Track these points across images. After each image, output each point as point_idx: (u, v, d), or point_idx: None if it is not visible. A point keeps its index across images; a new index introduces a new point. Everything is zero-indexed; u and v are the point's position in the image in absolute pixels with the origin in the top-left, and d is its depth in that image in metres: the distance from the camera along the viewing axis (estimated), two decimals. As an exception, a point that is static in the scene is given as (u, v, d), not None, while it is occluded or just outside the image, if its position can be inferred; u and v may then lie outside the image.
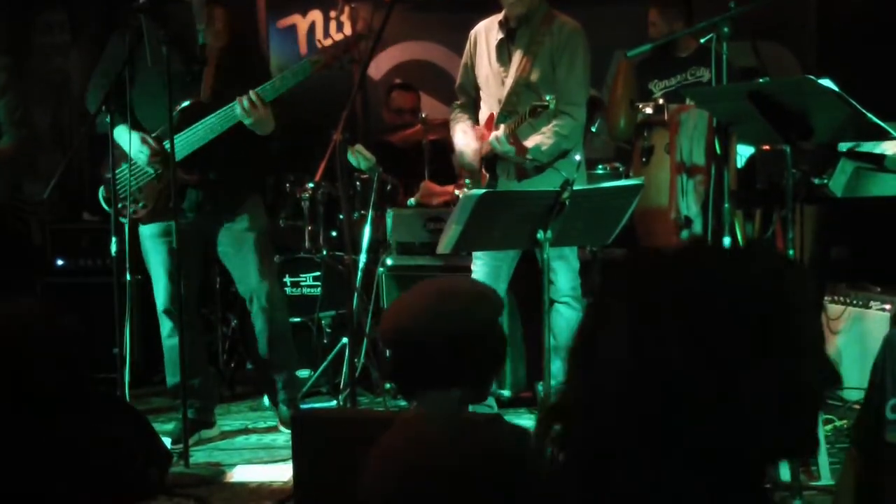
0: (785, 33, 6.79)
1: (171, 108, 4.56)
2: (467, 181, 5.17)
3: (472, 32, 5.21)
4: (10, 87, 6.34)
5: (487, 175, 5.08)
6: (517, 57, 4.99)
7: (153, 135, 4.78)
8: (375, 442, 2.22)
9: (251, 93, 4.65)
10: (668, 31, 5.42)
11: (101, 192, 4.92)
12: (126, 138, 4.70)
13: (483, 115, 5.15)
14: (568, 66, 4.95)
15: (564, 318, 5.04)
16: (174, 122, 4.66)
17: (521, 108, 4.86)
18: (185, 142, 4.70)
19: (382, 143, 6.55)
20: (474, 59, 5.18)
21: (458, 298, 2.31)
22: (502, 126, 4.92)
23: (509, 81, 5.00)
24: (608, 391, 1.23)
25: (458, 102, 5.32)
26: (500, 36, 5.04)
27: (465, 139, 5.17)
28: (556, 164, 4.76)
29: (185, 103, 4.76)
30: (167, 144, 4.74)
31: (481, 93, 5.17)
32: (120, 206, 4.80)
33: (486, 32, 5.13)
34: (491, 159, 5.05)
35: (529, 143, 4.89)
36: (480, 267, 5.09)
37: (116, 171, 4.78)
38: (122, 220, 4.77)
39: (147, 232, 4.94)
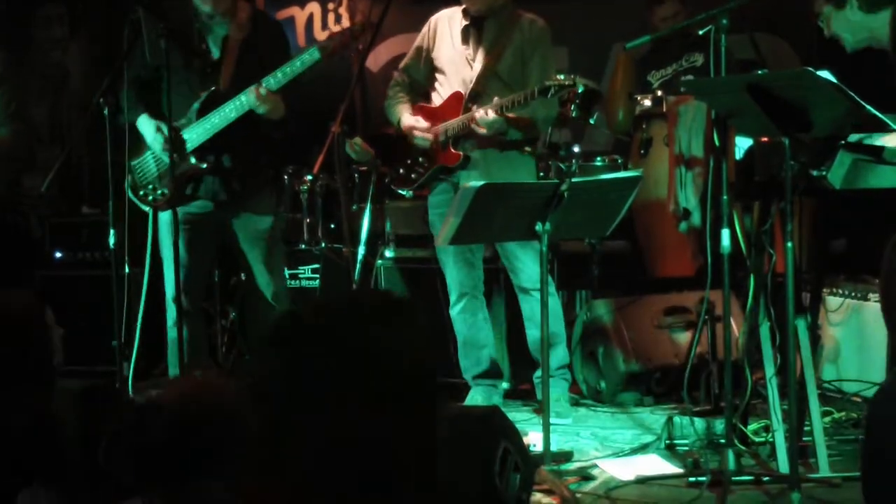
0: (783, 26, 6.78)
1: (170, 100, 4.59)
2: (424, 148, 5.16)
3: (433, 18, 5.27)
4: (6, 80, 6.33)
5: (461, 154, 5.06)
6: (485, 46, 5.05)
7: (174, 124, 4.81)
8: None
9: (261, 84, 4.67)
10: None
11: (128, 181, 4.95)
12: (147, 128, 4.80)
13: (444, 93, 5.15)
14: (541, 62, 5.03)
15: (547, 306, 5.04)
16: (192, 114, 4.77)
17: (490, 94, 4.91)
18: (202, 130, 4.77)
19: (381, 135, 6.54)
20: (432, 44, 5.23)
21: None
22: (488, 108, 4.88)
23: (477, 66, 5.06)
24: None
25: (399, 80, 5.35)
26: (465, 23, 5.11)
27: (413, 120, 5.17)
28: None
29: (204, 94, 4.82)
30: (184, 133, 4.83)
31: (441, 75, 5.19)
32: (142, 192, 4.90)
33: (449, 20, 5.20)
34: (456, 137, 5.04)
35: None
36: (452, 258, 5.10)
37: (138, 160, 4.88)
38: (145, 207, 4.87)
39: (165, 217, 4.92)
